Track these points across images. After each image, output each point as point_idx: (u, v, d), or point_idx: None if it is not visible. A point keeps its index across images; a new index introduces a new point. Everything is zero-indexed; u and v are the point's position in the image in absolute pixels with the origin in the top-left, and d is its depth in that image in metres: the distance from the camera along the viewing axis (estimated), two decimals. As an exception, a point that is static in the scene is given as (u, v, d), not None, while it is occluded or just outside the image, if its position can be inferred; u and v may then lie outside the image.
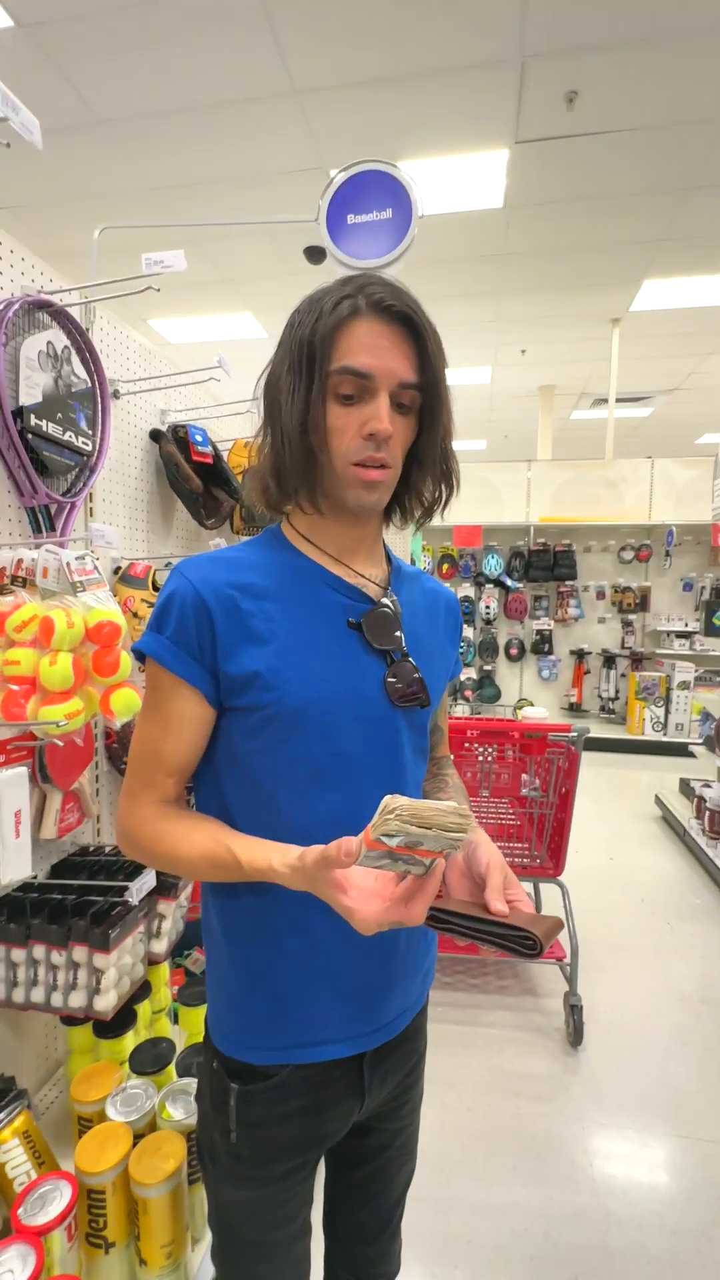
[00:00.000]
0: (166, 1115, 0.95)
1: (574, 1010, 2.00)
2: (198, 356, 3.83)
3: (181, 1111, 0.96)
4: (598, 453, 6.80)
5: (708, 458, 5.76)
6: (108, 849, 1.30)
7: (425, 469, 0.73)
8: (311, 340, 0.65)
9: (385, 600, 0.73)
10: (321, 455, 0.67)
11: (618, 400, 6.36)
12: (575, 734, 1.99)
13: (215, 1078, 0.74)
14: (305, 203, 3.44)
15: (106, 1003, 1.02)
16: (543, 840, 2.21)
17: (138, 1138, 0.92)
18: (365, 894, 0.55)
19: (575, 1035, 1.99)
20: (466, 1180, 1.56)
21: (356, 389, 0.65)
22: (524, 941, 0.56)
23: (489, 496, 6.00)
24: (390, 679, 0.70)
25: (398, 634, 0.72)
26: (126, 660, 0.97)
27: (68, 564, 0.95)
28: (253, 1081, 0.70)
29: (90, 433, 1.23)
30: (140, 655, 0.68)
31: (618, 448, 6.40)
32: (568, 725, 2.01)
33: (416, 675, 0.72)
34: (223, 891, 0.71)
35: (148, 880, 1.08)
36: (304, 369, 0.66)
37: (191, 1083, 1.00)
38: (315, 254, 4.55)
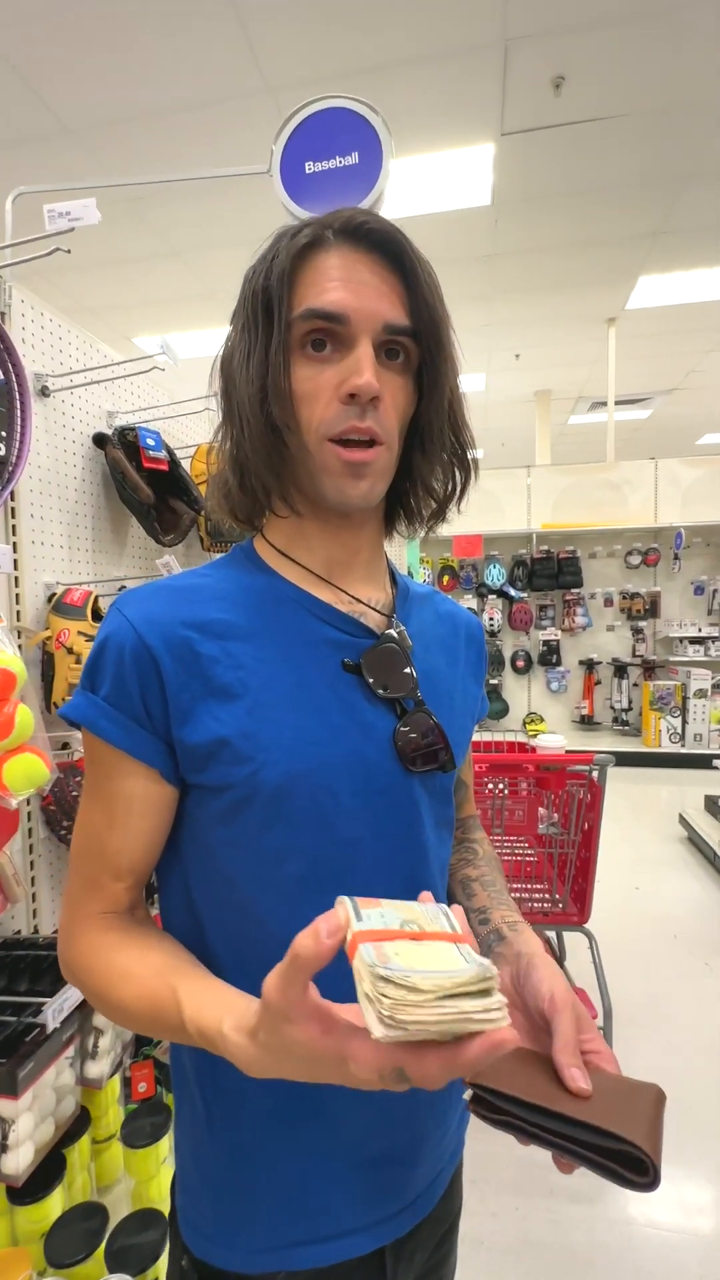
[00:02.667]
0: (82, 1344, 0.71)
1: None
2: (185, 373, 3.69)
3: (106, 1332, 0.72)
4: (597, 457, 6.62)
5: (714, 456, 5.56)
6: (42, 940, 1.07)
7: (432, 449, 0.56)
8: (267, 285, 0.51)
9: (391, 631, 0.56)
10: (290, 433, 0.51)
11: (616, 403, 6.19)
12: (597, 764, 1.75)
13: (186, 1278, 0.55)
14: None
15: (18, 1163, 0.78)
16: (564, 882, 1.96)
17: None
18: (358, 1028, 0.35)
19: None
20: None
21: (328, 337, 0.50)
22: (628, 1161, 0.36)
23: (489, 505, 5.80)
24: (403, 737, 0.54)
25: (409, 674, 0.55)
26: (26, 717, 0.75)
27: (-63, 595, 0.73)
28: None
29: (4, 435, 1.02)
30: (73, 722, 0.52)
31: (617, 452, 6.21)
32: (589, 755, 1.77)
33: (437, 729, 0.55)
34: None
35: (73, 993, 0.85)
36: (259, 323, 0.51)
37: (123, 1281, 0.76)
38: (298, 261, 4.40)
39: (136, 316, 5.24)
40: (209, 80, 2.98)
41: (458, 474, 0.59)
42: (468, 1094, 0.41)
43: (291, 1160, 0.52)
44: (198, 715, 0.49)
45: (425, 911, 0.38)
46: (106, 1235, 0.82)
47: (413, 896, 0.52)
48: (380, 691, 0.53)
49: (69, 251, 0.85)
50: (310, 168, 0.99)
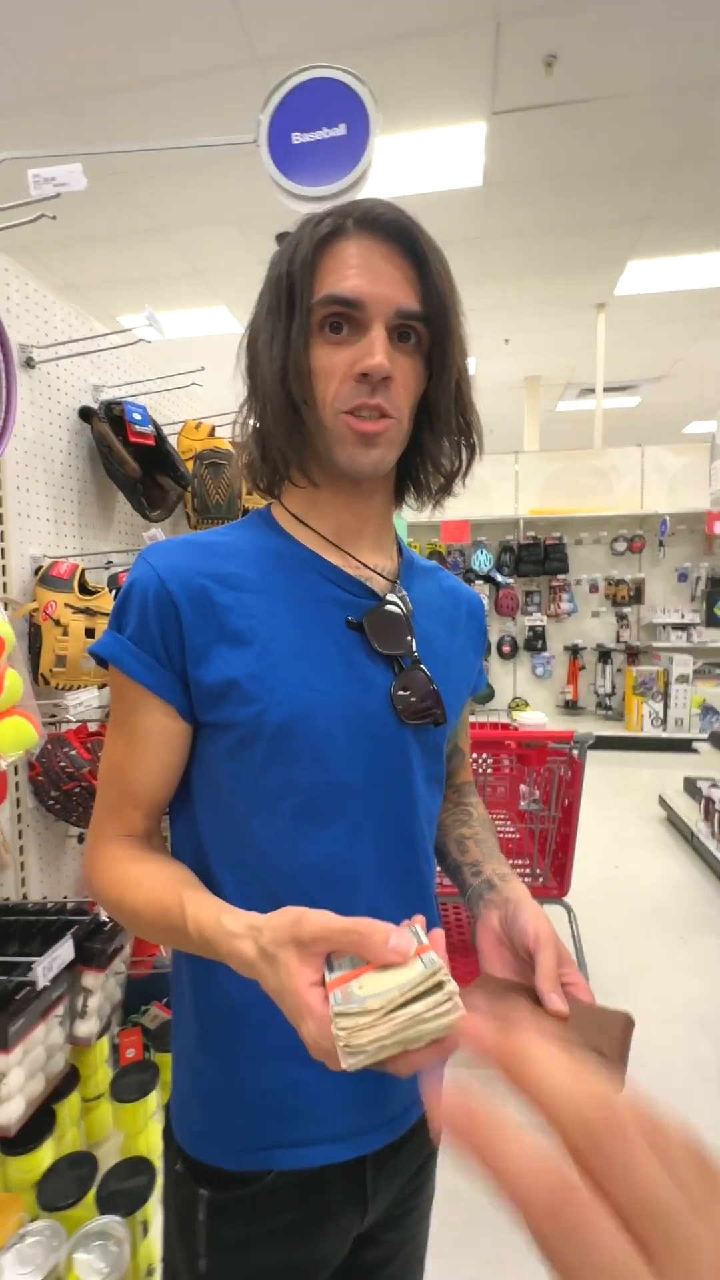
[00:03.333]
0: (74, 1278, 0.73)
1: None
2: (171, 352, 3.63)
3: (97, 1269, 0.75)
4: (585, 444, 6.64)
5: (699, 444, 5.61)
6: (31, 906, 1.09)
7: (440, 426, 0.60)
8: (290, 271, 0.55)
9: (393, 596, 0.61)
10: (307, 408, 0.56)
11: (605, 390, 6.20)
12: (578, 742, 1.79)
13: (180, 1184, 0.59)
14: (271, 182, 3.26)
15: (9, 1114, 0.80)
16: (545, 857, 2.01)
17: (35, 1311, 0.70)
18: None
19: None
20: (477, 1268, 1.35)
21: (345, 321, 0.54)
22: None
23: (476, 490, 5.81)
24: (398, 690, 0.58)
25: (408, 637, 0.60)
26: (15, 681, 0.76)
27: None
28: (228, 1189, 0.57)
29: (-11, 404, 1.01)
30: (100, 659, 0.57)
31: (605, 439, 6.23)
32: (569, 732, 1.81)
33: (431, 686, 0.59)
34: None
35: (62, 952, 0.87)
36: (284, 307, 0.55)
37: (114, 1223, 0.79)
38: (287, 240, 4.35)
39: (123, 294, 5.15)
40: (197, 51, 2.92)
41: (464, 451, 0.63)
42: None
43: (273, 1065, 0.56)
44: (211, 657, 0.54)
45: (401, 933, 0.42)
46: (97, 1182, 0.85)
47: (400, 841, 0.59)
48: (380, 649, 0.57)
49: (54, 218, 0.85)
50: (297, 139, 0.99)
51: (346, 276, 0.53)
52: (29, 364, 1.18)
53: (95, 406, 1.32)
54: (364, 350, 0.53)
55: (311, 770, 0.55)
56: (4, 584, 1.11)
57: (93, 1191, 0.83)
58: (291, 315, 0.55)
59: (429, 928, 0.58)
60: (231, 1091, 0.57)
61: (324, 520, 0.61)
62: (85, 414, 1.32)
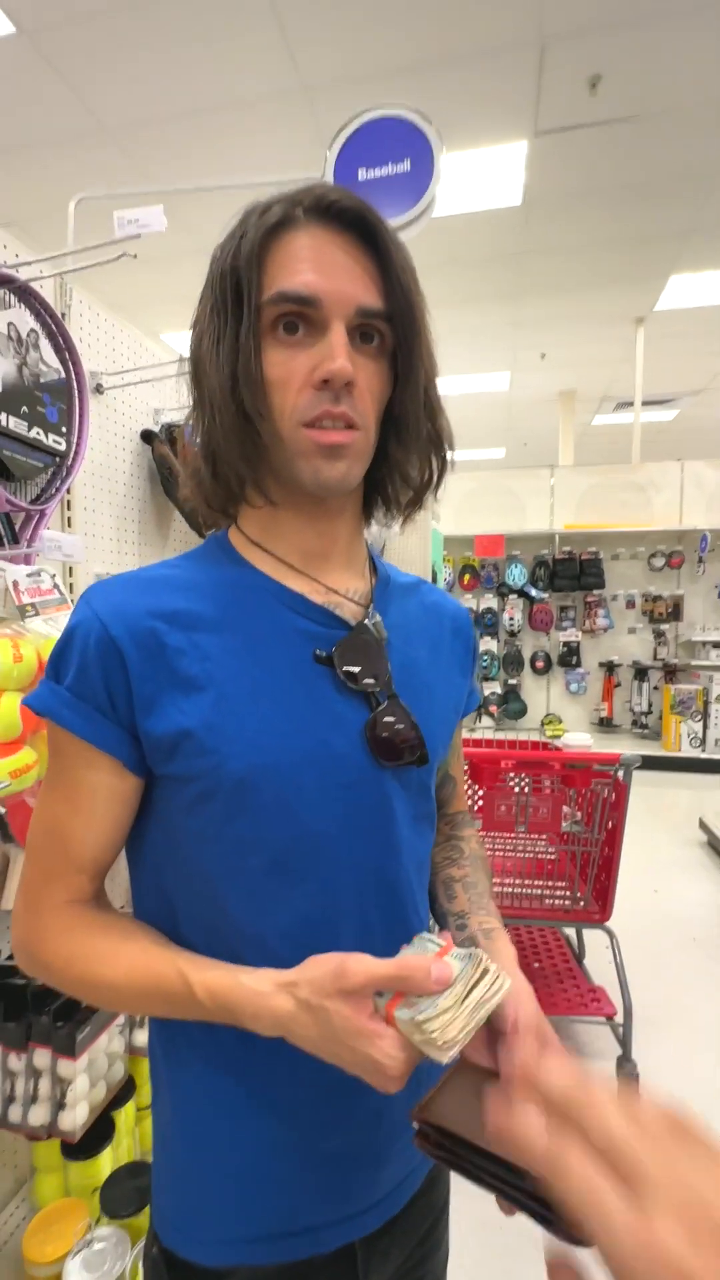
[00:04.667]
0: (140, 1287, 0.75)
1: (632, 1081, 1.76)
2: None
3: None
4: (621, 458, 6.57)
5: (741, 459, 5.50)
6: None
7: (408, 436, 0.54)
8: (236, 266, 0.49)
9: (367, 622, 0.55)
10: (262, 420, 0.49)
11: (642, 404, 6.14)
12: (623, 764, 1.77)
13: (154, 1271, 0.55)
14: (316, 201, 3.33)
15: (74, 1120, 0.82)
16: (587, 881, 1.98)
17: (102, 1319, 0.72)
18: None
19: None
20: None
21: (300, 321, 0.48)
22: (549, 1216, 0.33)
23: (511, 505, 5.79)
24: (374, 729, 0.52)
25: (384, 668, 0.54)
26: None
27: (15, 583, 0.77)
28: None
29: (64, 430, 1.06)
30: (36, 712, 0.51)
31: (641, 453, 6.16)
32: (615, 755, 1.78)
33: (411, 722, 0.54)
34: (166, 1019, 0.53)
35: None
36: (229, 306, 0.49)
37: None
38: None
39: (164, 313, 5.29)
40: (245, 79, 3.01)
41: (434, 462, 0.57)
42: (414, 1126, 0.40)
43: (248, 1153, 0.52)
44: (162, 706, 0.48)
45: (416, 950, 0.45)
46: (157, 1192, 0.87)
47: (383, 894, 0.54)
48: (352, 684, 0.52)
49: (135, 256, 0.89)
50: (363, 175, 1.02)
51: (299, 271, 0.47)
52: (98, 390, 1.23)
53: (156, 429, 1.37)
54: (323, 353, 0.48)
55: (279, 824, 0.49)
56: (72, 601, 1.15)
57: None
58: (239, 316, 0.49)
59: None
60: (203, 1177, 0.53)
61: (286, 543, 0.55)
62: (147, 436, 1.36)
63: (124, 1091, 0.97)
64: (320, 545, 0.56)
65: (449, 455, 0.58)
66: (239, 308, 0.49)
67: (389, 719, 0.53)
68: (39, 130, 3.29)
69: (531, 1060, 0.41)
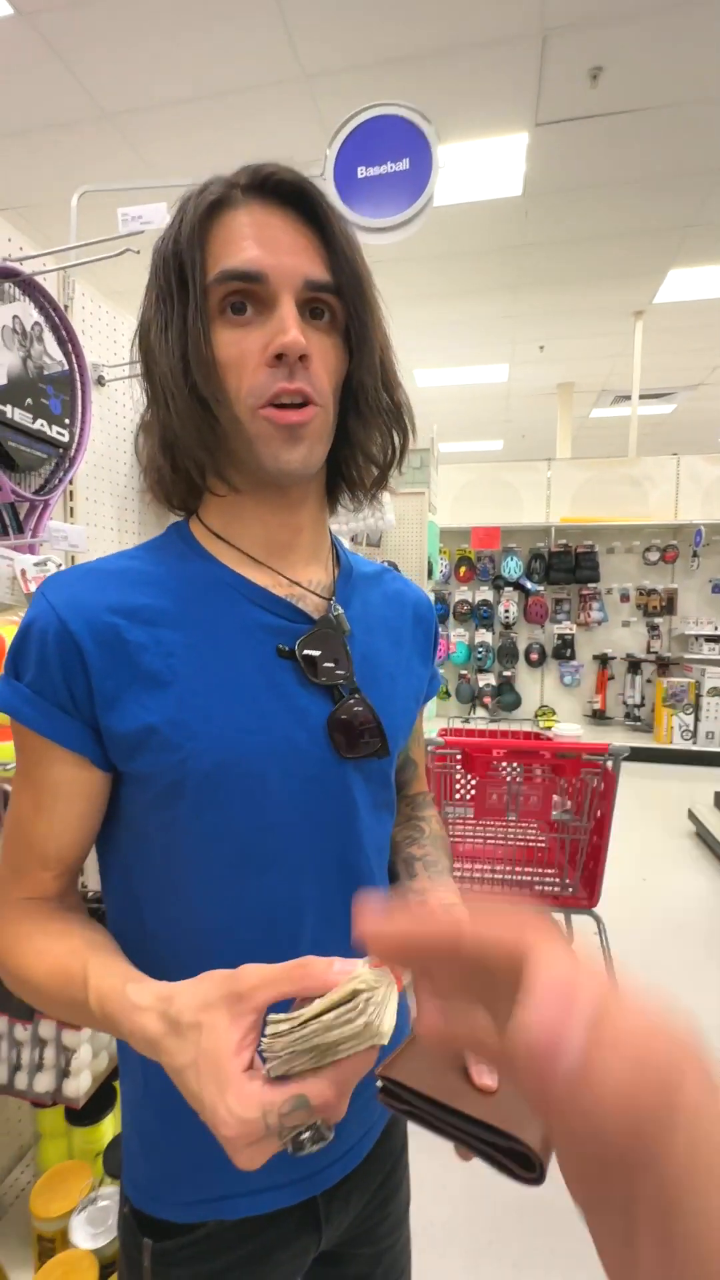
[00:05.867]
0: (141, 1241, 0.79)
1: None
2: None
3: (160, 1234, 0.80)
4: (618, 451, 6.59)
5: (737, 454, 5.53)
6: (91, 893, 1.15)
7: (367, 410, 0.54)
8: (177, 250, 0.48)
9: (329, 616, 0.55)
10: (218, 405, 0.49)
11: (639, 397, 6.15)
12: (612, 754, 1.81)
13: (127, 1228, 0.57)
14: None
15: (78, 1087, 0.86)
16: (575, 868, 2.02)
17: (105, 1270, 0.76)
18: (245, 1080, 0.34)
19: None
20: (496, 1267, 1.38)
21: (247, 299, 0.48)
22: (519, 1157, 0.36)
23: (507, 497, 5.81)
24: (336, 723, 0.53)
25: (345, 660, 0.54)
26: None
27: (23, 571, 0.80)
28: (172, 1237, 0.54)
29: (67, 421, 1.08)
30: None
31: (639, 447, 6.18)
32: (604, 745, 1.82)
33: (372, 716, 0.54)
34: (140, 958, 0.53)
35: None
36: (174, 291, 0.48)
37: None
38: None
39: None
40: (246, 66, 3.00)
41: (395, 436, 0.57)
42: (378, 1084, 0.42)
43: None
44: (125, 703, 0.48)
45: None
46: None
47: (345, 879, 0.55)
48: (314, 678, 0.52)
49: (138, 252, 0.91)
50: (363, 172, 1.04)
51: (242, 248, 0.47)
52: (100, 382, 1.25)
53: (157, 421, 1.39)
54: (275, 329, 0.47)
55: (244, 816, 0.50)
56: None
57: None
58: (185, 300, 0.48)
59: None
60: (172, 1144, 0.54)
61: (249, 534, 0.54)
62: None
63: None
64: (284, 535, 0.55)
65: (409, 428, 0.57)
66: (184, 291, 0.48)
67: (351, 712, 0.53)
68: (37, 113, 3.27)
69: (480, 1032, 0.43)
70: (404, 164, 1.02)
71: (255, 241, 0.47)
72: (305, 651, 0.53)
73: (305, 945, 0.52)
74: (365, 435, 0.55)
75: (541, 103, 3.22)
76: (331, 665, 0.53)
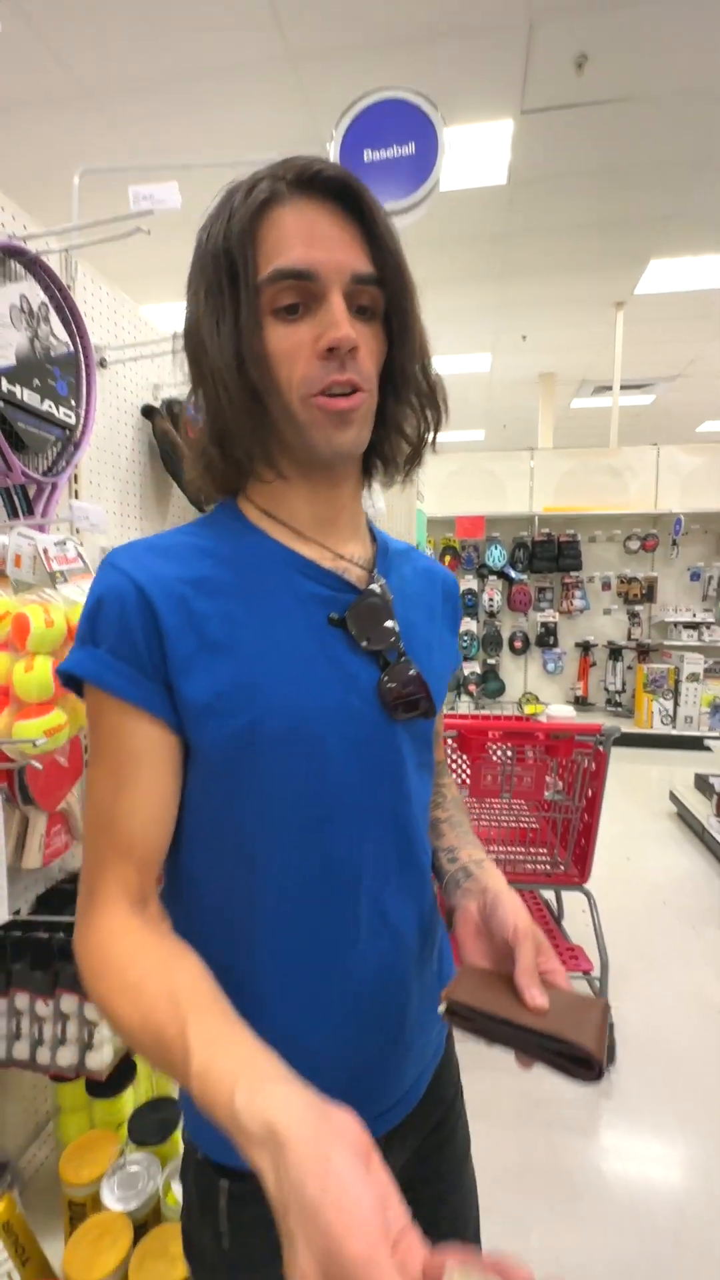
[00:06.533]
0: (173, 1202, 0.81)
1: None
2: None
3: (191, 1194, 0.82)
4: (599, 441, 6.67)
5: (714, 444, 5.63)
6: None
7: (405, 392, 0.57)
8: (227, 247, 0.50)
9: (373, 586, 0.58)
10: (270, 396, 0.51)
11: (620, 388, 6.22)
12: (604, 735, 1.86)
13: (200, 1171, 0.59)
14: (302, 175, 3.30)
15: (101, 1060, 0.88)
16: (567, 846, 2.08)
17: (139, 1230, 0.78)
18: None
19: (608, 1055, 1.86)
20: (498, 1227, 1.43)
21: (299, 295, 0.50)
22: (576, 1060, 0.43)
23: (491, 486, 5.85)
24: (386, 686, 0.56)
25: (391, 627, 0.57)
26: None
27: (45, 550, 0.80)
28: (245, 1179, 0.56)
29: (73, 403, 1.08)
30: (70, 679, 0.51)
31: (619, 437, 6.25)
32: (597, 725, 1.87)
33: (417, 677, 0.57)
34: (192, 942, 0.51)
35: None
36: (225, 288, 0.50)
37: (201, 1156, 0.87)
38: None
39: (147, 286, 5.18)
40: (231, 46, 2.95)
41: (429, 414, 0.59)
42: (442, 1007, 0.47)
43: (289, 1063, 0.47)
44: (195, 669, 0.50)
45: None
46: (180, 1122, 0.93)
47: (398, 834, 0.59)
48: (364, 644, 0.55)
49: (149, 233, 0.91)
50: (369, 156, 1.05)
51: (293, 247, 0.49)
52: (102, 364, 1.24)
53: (157, 405, 1.39)
54: (325, 323, 0.49)
55: (306, 776, 0.53)
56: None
57: (178, 1130, 0.91)
58: (237, 297, 0.50)
59: (429, 911, 0.60)
60: None
61: (296, 513, 0.57)
62: (148, 412, 1.38)
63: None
64: (329, 513, 0.58)
65: (443, 407, 0.60)
66: (235, 288, 0.50)
67: (398, 676, 0.56)
68: (17, 91, 3.19)
69: (532, 966, 0.49)
70: (409, 148, 1.03)
71: (305, 239, 0.49)
72: (354, 620, 0.55)
73: (364, 896, 0.56)
74: (402, 416, 0.58)
75: (527, 90, 3.22)
76: (378, 633, 0.56)
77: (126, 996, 0.44)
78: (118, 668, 0.49)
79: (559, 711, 2.11)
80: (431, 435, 0.61)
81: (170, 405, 1.39)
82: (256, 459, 0.55)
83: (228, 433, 0.53)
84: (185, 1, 2.71)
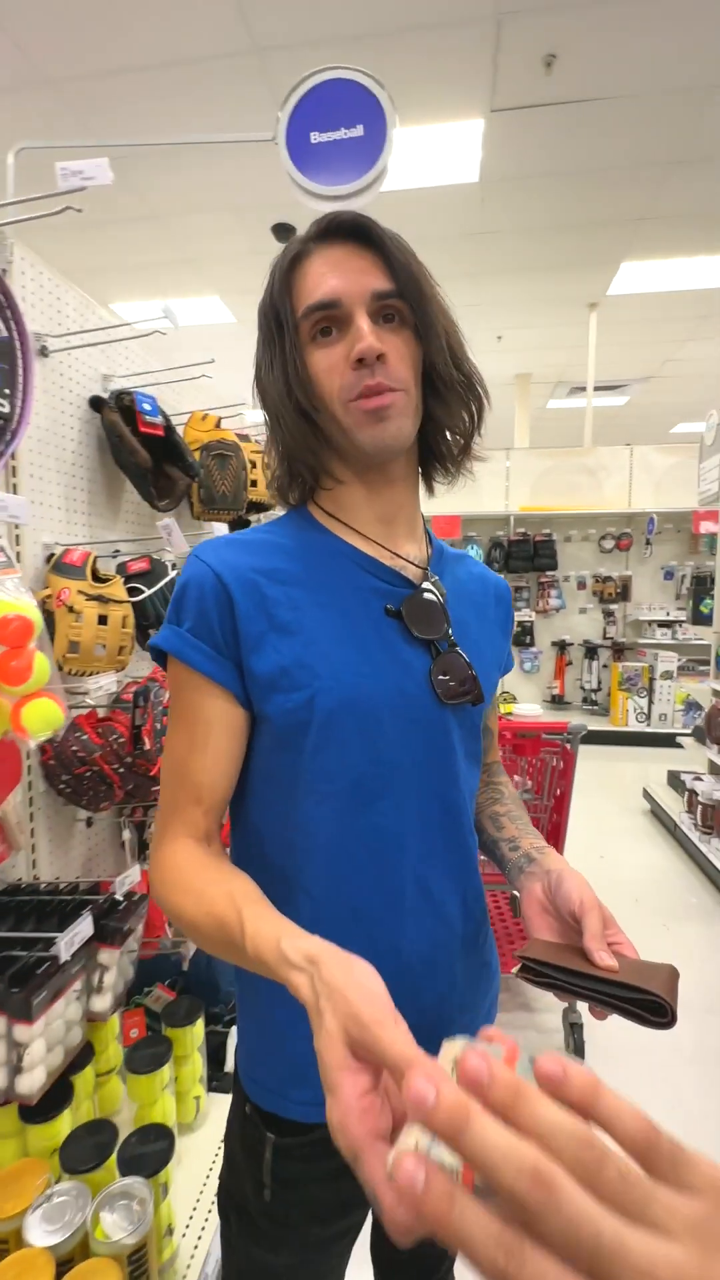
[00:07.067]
0: (101, 1235, 0.76)
1: (574, 1029, 1.86)
2: (170, 342, 3.62)
3: (122, 1227, 0.77)
4: (574, 442, 6.71)
5: (687, 444, 5.69)
6: (44, 886, 1.11)
7: (443, 387, 0.62)
8: (272, 303, 0.61)
9: (427, 584, 0.64)
10: (319, 414, 0.60)
11: (595, 389, 6.27)
12: (571, 733, 1.84)
13: (248, 1124, 0.64)
14: (268, 171, 3.24)
15: (31, 1084, 0.83)
16: (536, 846, 2.06)
17: (63, 1266, 0.73)
18: (359, 1109, 0.33)
19: (576, 1055, 1.85)
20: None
21: (331, 323, 0.58)
22: (652, 1007, 0.47)
23: (467, 486, 5.80)
24: (438, 673, 0.62)
25: (444, 622, 0.63)
26: (43, 664, 0.78)
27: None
28: (292, 1135, 0.61)
29: (7, 391, 1.03)
30: (158, 653, 0.61)
31: (594, 437, 6.30)
32: (564, 723, 1.86)
33: (469, 668, 0.63)
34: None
35: (82, 928, 0.89)
36: (275, 334, 0.60)
37: (137, 1183, 0.82)
38: (283, 232, 4.34)
39: (115, 281, 5.10)
40: (196, 36, 2.90)
41: (471, 404, 0.64)
42: (516, 968, 0.51)
43: None
44: (263, 647, 0.57)
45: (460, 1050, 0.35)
46: (118, 1146, 0.88)
47: (445, 816, 0.63)
48: (418, 634, 0.61)
49: (80, 210, 0.86)
50: (316, 138, 1.01)
51: (320, 284, 0.58)
52: (43, 353, 1.19)
53: (106, 396, 1.34)
54: (354, 338, 0.57)
55: (360, 751, 0.58)
56: (20, 564, 1.12)
57: (114, 1156, 0.86)
58: (282, 337, 0.59)
59: (473, 896, 0.63)
60: (295, 1048, 0.59)
61: (359, 515, 0.64)
62: (96, 403, 1.33)
63: (82, 1056, 0.97)
64: (388, 512, 0.65)
65: (483, 396, 0.65)
66: (281, 332, 0.60)
67: (449, 665, 0.62)
68: (-26, 77, 3.10)
69: (600, 932, 0.53)
70: (358, 130, 1.00)
71: (327, 275, 0.58)
72: (409, 612, 0.61)
73: (407, 869, 0.60)
74: (444, 411, 0.63)
75: (497, 89, 3.22)
76: (431, 624, 0.62)
77: (191, 897, 0.53)
78: (196, 645, 0.58)
79: (526, 710, 2.10)
80: (477, 423, 0.65)
81: (120, 396, 1.34)
82: (316, 470, 0.63)
83: (289, 452, 0.62)
84: (150, -10, 2.65)
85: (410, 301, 0.59)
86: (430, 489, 0.71)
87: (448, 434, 0.66)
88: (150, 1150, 0.85)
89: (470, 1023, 0.67)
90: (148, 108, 3.32)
